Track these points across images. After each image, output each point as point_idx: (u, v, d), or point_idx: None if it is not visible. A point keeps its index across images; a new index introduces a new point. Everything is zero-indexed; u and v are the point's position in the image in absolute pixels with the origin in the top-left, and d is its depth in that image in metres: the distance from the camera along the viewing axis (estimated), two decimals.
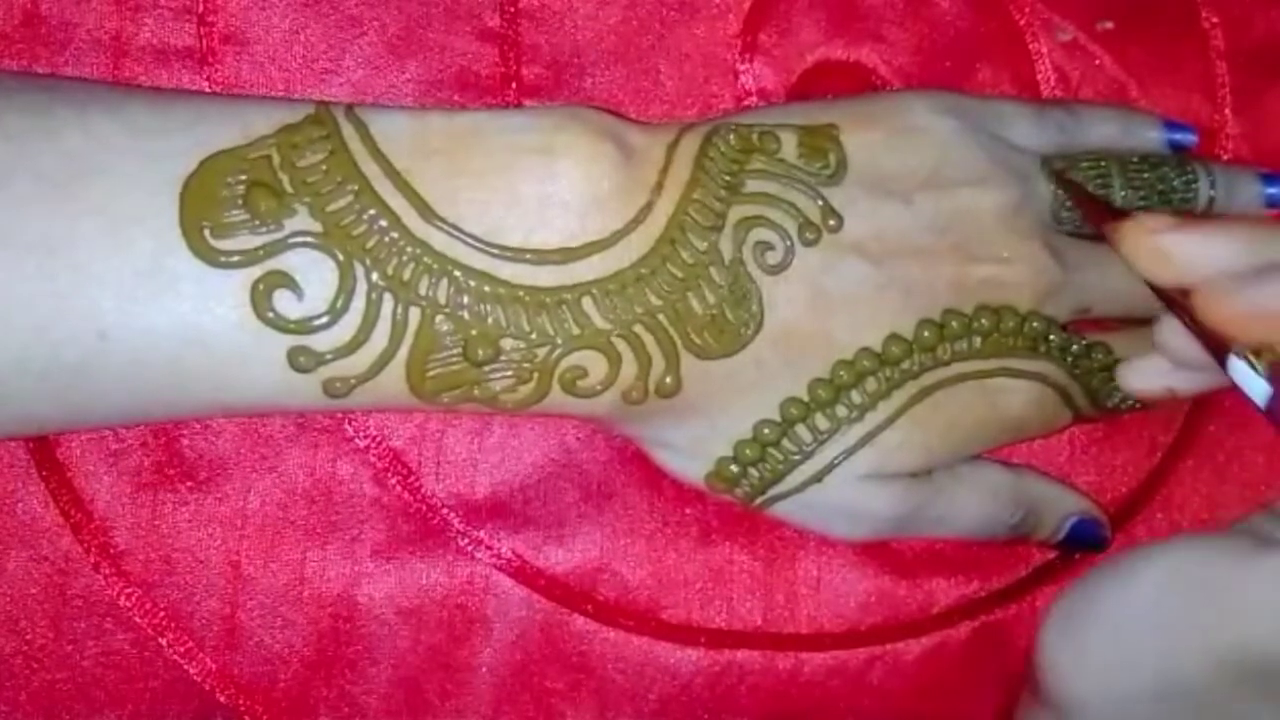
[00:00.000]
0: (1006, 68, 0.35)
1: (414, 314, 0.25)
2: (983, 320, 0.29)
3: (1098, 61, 0.36)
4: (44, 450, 0.29)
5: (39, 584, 0.29)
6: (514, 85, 0.32)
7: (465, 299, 0.25)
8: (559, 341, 0.26)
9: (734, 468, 0.29)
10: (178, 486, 0.30)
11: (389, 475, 0.31)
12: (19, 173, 0.23)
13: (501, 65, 0.32)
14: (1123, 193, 0.32)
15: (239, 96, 0.30)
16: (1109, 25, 0.36)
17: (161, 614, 0.29)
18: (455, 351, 0.25)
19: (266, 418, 0.30)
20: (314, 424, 0.30)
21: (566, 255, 0.26)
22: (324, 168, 0.25)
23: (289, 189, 0.25)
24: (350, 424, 0.31)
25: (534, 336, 0.26)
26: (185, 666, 0.30)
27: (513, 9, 0.32)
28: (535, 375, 0.26)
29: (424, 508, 0.31)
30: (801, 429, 0.29)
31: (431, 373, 0.25)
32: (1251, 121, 0.36)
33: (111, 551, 0.29)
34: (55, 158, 0.24)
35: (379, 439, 0.31)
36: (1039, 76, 0.35)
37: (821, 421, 0.29)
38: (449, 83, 0.31)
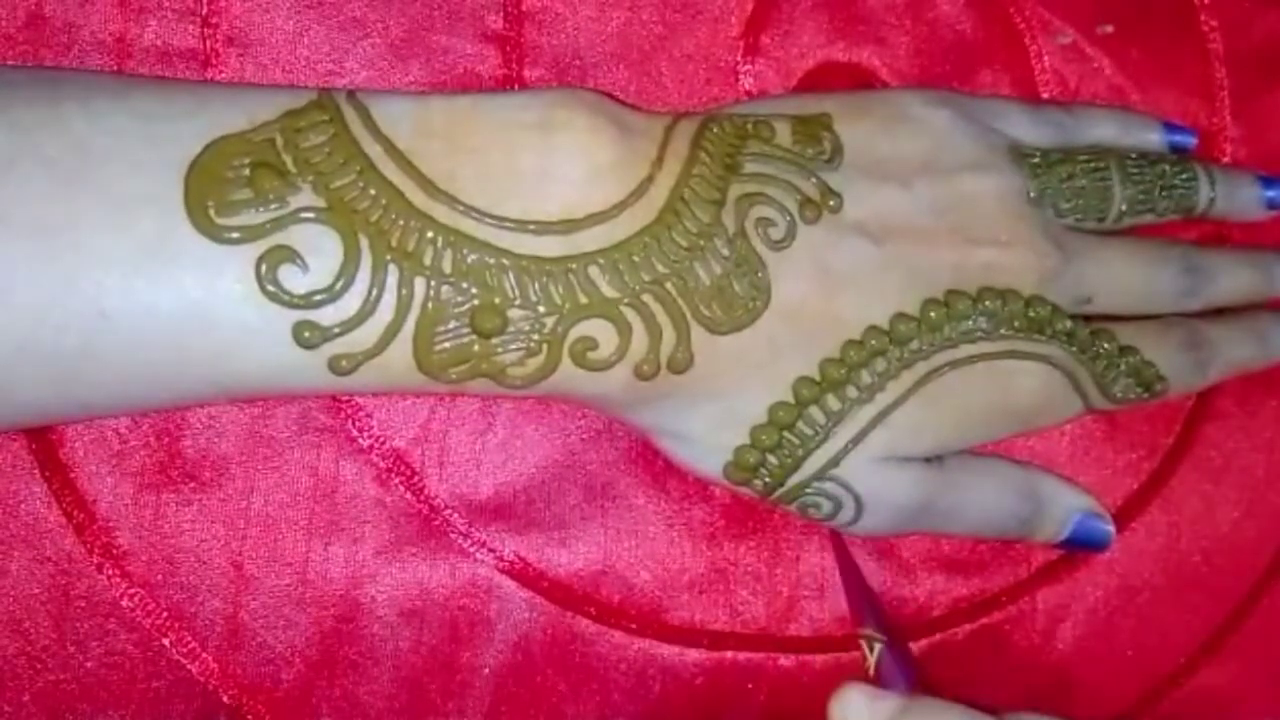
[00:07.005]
0: (1006, 71, 0.35)
1: (419, 284, 0.25)
2: (987, 302, 0.29)
3: (1097, 65, 0.36)
4: (47, 451, 0.29)
5: (42, 585, 0.29)
6: (516, 87, 0.32)
7: (470, 269, 0.25)
8: (566, 309, 0.26)
9: (752, 456, 0.29)
10: (180, 487, 0.30)
11: (392, 476, 0.31)
12: (23, 159, 0.23)
13: (504, 67, 0.32)
14: (1123, 188, 0.32)
15: (243, 84, 0.30)
16: (1108, 29, 0.36)
17: (164, 614, 0.29)
18: (463, 323, 0.25)
19: (269, 417, 0.30)
20: (316, 424, 0.30)
21: (569, 226, 0.26)
22: (327, 149, 0.25)
23: (293, 169, 0.25)
24: (353, 424, 0.31)
25: (541, 306, 0.25)
26: (188, 666, 0.29)
27: (515, 11, 0.32)
28: (545, 347, 0.26)
29: (426, 509, 0.31)
30: (814, 410, 0.28)
31: (439, 346, 0.25)
32: (1250, 124, 0.37)
33: (114, 552, 0.29)
34: (60, 143, 0.24)
35: (382, 439, 0.31)
36: (1038, 80, 0.35)
37: (833, 402, 0.28)
38: (451, 84, 0.32)
